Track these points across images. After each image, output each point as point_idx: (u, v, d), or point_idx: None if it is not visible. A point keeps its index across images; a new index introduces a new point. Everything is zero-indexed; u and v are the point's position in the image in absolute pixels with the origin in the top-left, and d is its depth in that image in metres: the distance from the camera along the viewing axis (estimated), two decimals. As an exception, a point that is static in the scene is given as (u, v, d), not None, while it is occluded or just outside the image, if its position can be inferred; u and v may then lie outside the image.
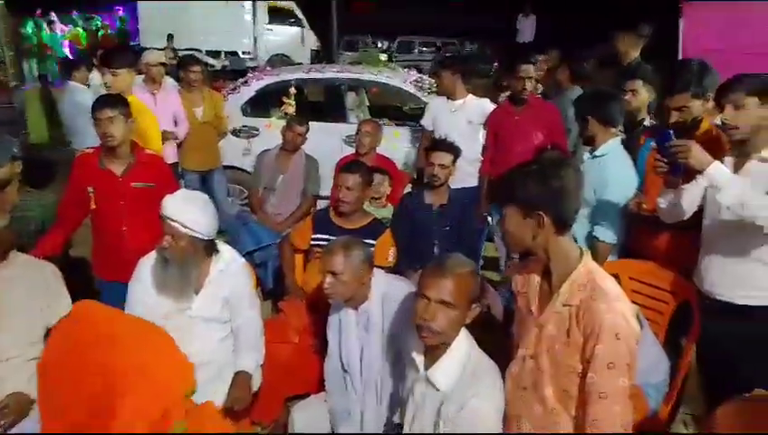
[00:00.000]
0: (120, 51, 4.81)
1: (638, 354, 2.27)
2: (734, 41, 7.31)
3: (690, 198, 2.44)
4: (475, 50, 17.80)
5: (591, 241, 2.97)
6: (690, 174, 2.32)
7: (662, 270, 2.78)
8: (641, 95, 3.37)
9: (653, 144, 2.66)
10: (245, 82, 5.98)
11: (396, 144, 5.29)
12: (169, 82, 5.27)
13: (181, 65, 5.13)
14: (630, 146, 3.13)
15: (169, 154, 4.43)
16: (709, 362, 2.58)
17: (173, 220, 2.35)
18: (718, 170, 2.18)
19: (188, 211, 2.37)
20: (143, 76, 4.68)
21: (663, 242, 2.88)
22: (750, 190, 2.16)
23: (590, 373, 1.67)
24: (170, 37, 13.80)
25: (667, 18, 8.05)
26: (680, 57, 7.40)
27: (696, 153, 2.20)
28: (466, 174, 4.23)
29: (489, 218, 4.18)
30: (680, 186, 2.41)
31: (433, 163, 3.39)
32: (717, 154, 2.28)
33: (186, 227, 2.35)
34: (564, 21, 15.32)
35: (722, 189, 2.15)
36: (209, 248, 2.52)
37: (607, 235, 2.96)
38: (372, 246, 3.10)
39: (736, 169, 2.31)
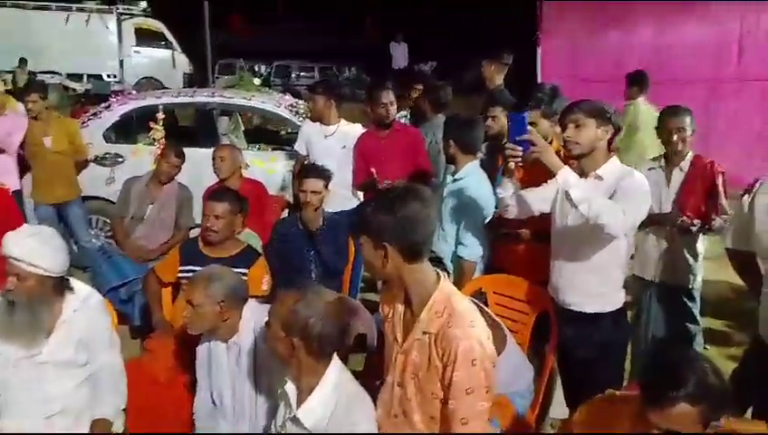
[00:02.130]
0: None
1: (503, 365, 2.40)
2: (583, 70, 8.04)
3: (539, 197, 2.64)
4: (353, 75, 18.14)
5: (456, 260, 3.10)
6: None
7: (523, 283, 2.96)
8: (501, 120, 3.53)
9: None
10: (108, 106, 5.67)
11: (272, 168, 5.27)
12: (20, 107, 4.90)
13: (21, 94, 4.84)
14: (491, 168, 3.31)
15: (10, 182, 4.11)
16: (568, 368, 2.77)
17: (16, 260, 2.16)
18: (569, 172, 2.36)
19: (33, 248, 2.18)
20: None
21: (522, 255, 3.07)
22: (595, 192, 2.35)
23: (451, 400, 1.71)
24: (23, 61, 12.91)
25: (528, 47, 8.71)
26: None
27: (550, 154, 2.38)
28: (343, 198, 4.27)
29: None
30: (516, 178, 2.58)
31: (305, 190, 3.39)
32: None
33: (31, 265, 2.17)
34: (436, 48, 16.10)
35: (572, 187, 2.31)
36: (60, 286, 2.33)
37: (470, 253, 3.10)
38: (245, 274, 3.03)
39: None
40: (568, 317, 2.65)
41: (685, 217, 3.22)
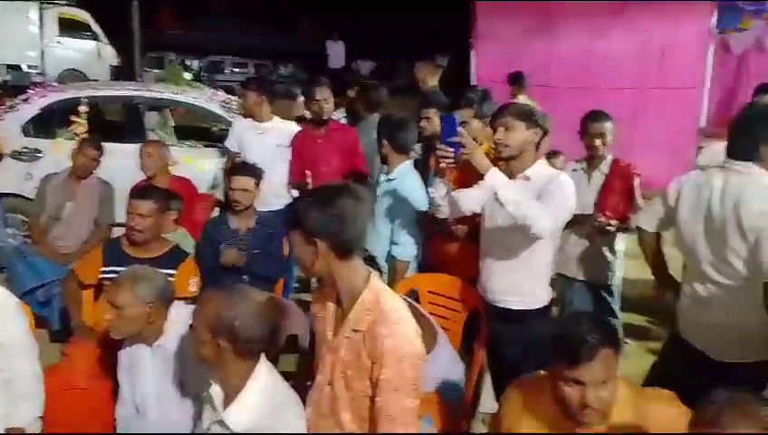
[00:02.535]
0: None
1: (434, 363, 2.43)
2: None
3: (470, 198, 2.69)
4: (289, 72, 17.93)
5: (390, 259, 3.11)
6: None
7: (454, 281, 3.01)
8: (435, 121, 3.58)
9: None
10: (26, 99, 5.37)
11: (203, 166, 5.12)
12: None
13: None
14: (424, 168, 3.34)
15: None
16: (496, 364, 2.83)
17: None
18: (497, 174, 2.42)
19: None
20: None
21: (454, 254, 3.12)
22: (523, 193, 2.42)
23: (378, 397, 1.71)
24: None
25: (462, 50, 8.84)
26: (473, 86, 8.12)
27: (480, 156, 2.43)
28: (278, 197, 4.20)
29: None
30: (446, 178, 2.63)
31: (234, 188, 3.30)
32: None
33: None
34: (373, 49, 16.18)
35: (500, 189, 2.37)
36: (-31, 290, 2.18)
37: (402, 252, 3.12)
38: (172, 275, 2.93)
39: None
40: (496, 314, 2.71)
41: (601, 218, 3.36)
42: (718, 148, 3.29)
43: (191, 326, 1.92)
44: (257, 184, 3.34)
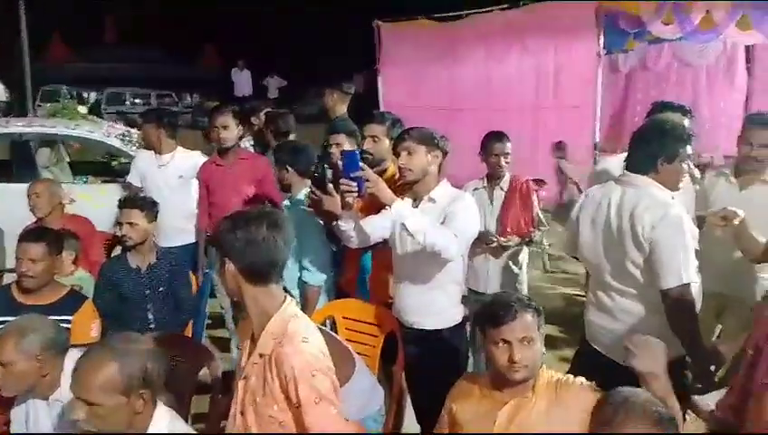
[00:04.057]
0: None
1: (354, 390, 2.39)
2: (420, 98, 8.45)
3: (379, 226, 2.71)
4: (195, 102, 17.54)
5: (302, 285, 3.07)
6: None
7: (369, 306, 2.99)
8: (345, 148, 3.61)
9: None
10: None
11: (102, 202, 4.84)
12: None
13: None
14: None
15: None
16: (416, 385, 2.83)
17: None
18: (402, 205, 2.46)
19: None
20: None
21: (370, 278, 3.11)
22: (430, 222, 2.46)
23: (305, 417, 1.70)
24: None
25: (371, 77, 8.98)
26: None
27: (384, 189, 2.46)
28: (181, 231, 4.04)
29: (210, 274, 4.03)
30: (354, 210, 2.64)
31: (121, 222, 3.14)
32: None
33: None
34: (281, 76, 16.14)
35: (407, 219, 2.40)
36: None
37: (313, 278, 3.09)
38: (69, 322, 2.74)
39: None
40: (412, 336, 2.73)
41: (494, 237, 3.52)
42: (612, 161, 3.51)
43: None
44: (149, 217, 3.17)
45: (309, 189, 2.99)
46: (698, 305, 2.37)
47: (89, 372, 1.74)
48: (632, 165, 2.45)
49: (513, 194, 3.62)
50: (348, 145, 3.49)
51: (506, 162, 3.59)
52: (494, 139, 3.62)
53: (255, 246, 1.71)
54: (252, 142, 4.73)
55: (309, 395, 1.68)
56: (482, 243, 3.53)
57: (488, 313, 1.96)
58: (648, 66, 8.74)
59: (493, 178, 3.67)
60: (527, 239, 3.63)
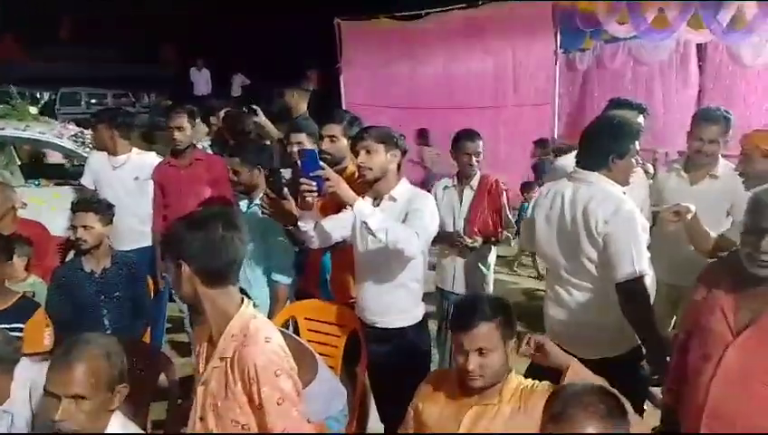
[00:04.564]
0: None
1: (316, 392, 2.38)
2: (381, 98, 8.46)
3: (339, 225, 2.71)
4: (153, 102, 17.19)
5: (272, 285, 3.06)
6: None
7: (330, 306, 2.98)
8: (305, 147, 3.57)
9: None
10: None
11: (55, 206, 4.70)
12: None
13: None
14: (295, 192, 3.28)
15: None
16: (379, 384, 2.82)
17: None
18: (364, 204, 2.45)
19: None
20: None
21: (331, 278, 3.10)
22: (391, 220, 2.46)
23: (266, 417, 1.68)
24: None
25: (334, 75, 8.95)
26: (343, 110, 8.22)
27: (344, 188, 2.45)
28: (138, 234, 3.95)
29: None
30: (312, 209, 2.62)
31: (75, 225, 3.05)
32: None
33: None
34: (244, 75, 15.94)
35: (369, 218, 2.39)
36: None
37: (281, 277, 3.06)
38: (21, 329, 2.65)
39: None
40: (375, 335, 2.72)
41: (462, 238, 3.51)
42: (569, 158, 3.57)
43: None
44: (104, 220, 3.09)
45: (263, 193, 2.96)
46: (652, 297, 2.43)
47: (77, 365, 1.73)
48: (584, 162, 2.49)
49: (482, 194, 3.59)
50: (308, 144, 3.46)
51: (477, 161, 3.56)
52: (465, 137, 3.59)
53: (212, 246, 1.68)
54: (209, 143, 4.64)
55: (271, 395, 1.66)
56: (449, 243, 3.55)
57: (453, 315, 1.98)
58: (605, 64, 8.93)
59: (463, 176, 3.64)
60: (494, 239, 3.60)
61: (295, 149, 3.47)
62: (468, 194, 3.62)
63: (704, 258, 2.92)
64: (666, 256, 2.97)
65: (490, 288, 3.72)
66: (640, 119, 3.31)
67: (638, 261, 2.31)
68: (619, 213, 2.32)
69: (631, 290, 2.32)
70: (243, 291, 2.40)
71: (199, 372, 1.85)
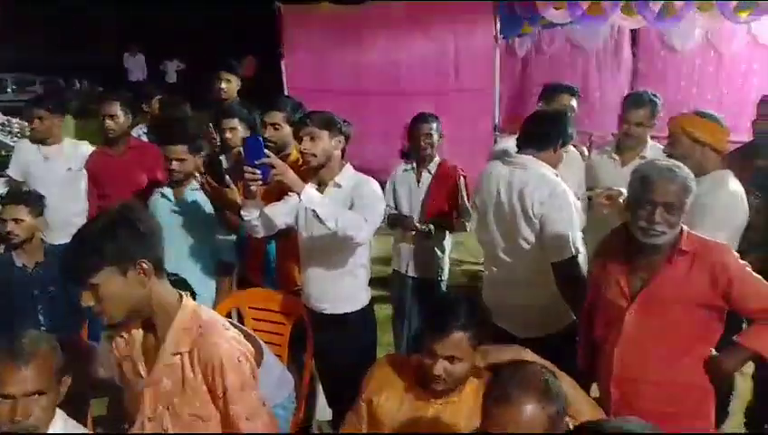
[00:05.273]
0: None
1: (263, 380, 2.36)
2: (326, 83, 8.37)
3: (283, 211, 2.68)
4: (85, 88, 16.47)
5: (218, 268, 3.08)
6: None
7: (276, 294, 2.96)
8: (239, 132, 3.47)
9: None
10: None
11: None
12: None
13: None
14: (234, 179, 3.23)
15: None
16: (326, 370, 2.85)
17: None
18: (311, 191, 2.44)
19: None
20: None
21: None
22: (340, 207, 2.46)
23: (231, 405, 1.67)
24: None
25: (275, 59, 8.78)
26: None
27: (291, 175, 2.42)
28: (72, 227, 3.77)
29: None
30: (256, 198, 2.59)
31: (4, 219, 2.92)
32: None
33: None
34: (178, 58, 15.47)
35: (318, 205, 2.38)
36: None
37: (223, 265, 3.05)
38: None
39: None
40: (321, 321, 2.73)
41: (416, 225, 3.53)
42: (510, 142, 3.64)
43: None
44: (34, 212, 2.97)
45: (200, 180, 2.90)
46: (585, 274, 2.52)
47: (31, 362, 1.67)
48: (522, 146, 2.56)
49: (439, 178, 3.59)
50: (242, 130, 3.42)
51: (432, 144, 3.55)
52: (420, 119, 3.59)
53: (157, 235, 1.65)
54: (145, 130, 4.48)
55: (235, 382, 1.65)
56: (404, 228, 3.57)
57: (428, 314, 1.96)
58: (543, 50, 9.13)
59: (422, 160, 3.62)
60: (447, 225, 3.60)
61: (228, 135, 3.43)
62: (426, 178, 3.61)
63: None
64: (599, 236, 3.08)
65: (445, 272, 3.74)
66: (573, 102, 3.43)
67: (573, 241, 2.40)
68: (554, 195, 2.40)
69: (568, 269, 2.41)
70: (187, 284, 2.38)
71: (129, 374, 1.78)
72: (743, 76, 7.87)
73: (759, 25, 6.98)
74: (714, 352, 2.06)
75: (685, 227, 2.02)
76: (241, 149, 3.44)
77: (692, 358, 2.03)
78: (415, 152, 3.62)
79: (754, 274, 2.00)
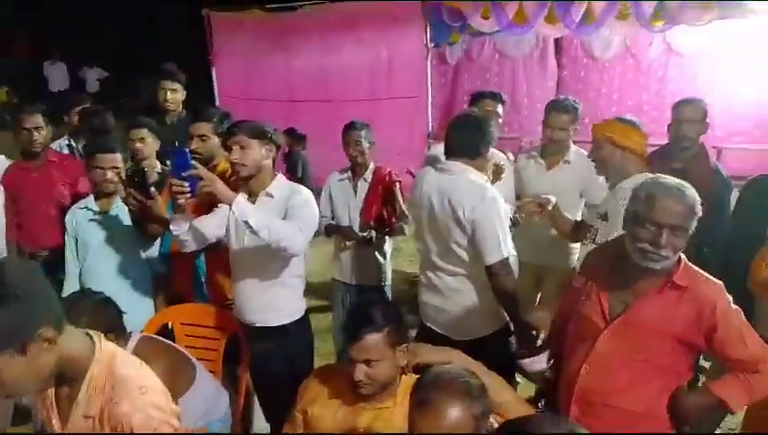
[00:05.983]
0: None
1: (197, 397, 2.31)
2: (257, 91, 8.26)
3: (213, 224, 2.62)
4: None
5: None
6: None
7: (208, 308, 2.89)
8: (149, 144, 3.41)
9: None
10: None
11: None
12: None
13: None
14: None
15: None
16: (262, 383, 2.79)
17: None
18: (242, 201, 2.37)
19: None
20: None
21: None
22: (272, 217, 2.41)
23: None
24: None
25: (206, 68, 8.58)
26: (217, 104, 7.94)
27: (220, 186, 2.35)
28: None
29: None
30: (185, 211, 2.52)
31: None
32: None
33: None
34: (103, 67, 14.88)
35: (250, 217, 2.32)
36: None
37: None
38: None
39: None
40: (255, 334, 2.67)
41: (358, 234, 3.52)
42: (440, 149, 3.70)
43: None
44: None
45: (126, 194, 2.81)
46: (516, 275, 2.58)
47: None
48: (449, 152, 2.60)
49: (375, 185, 3.58)
50: (152, 140, 3.34)
51: (358, 150, 3.54)
52: (349, 127, 3.58)
53: (45, 289, 1.37)
54: (68, 142, 4.26)
55: None
56: (344, 236, 3.55)
57: (344, 322, 1.96)
58: (473, 58, 9.36)
59: (355, 167, 3.60)
60: (388, 230, 3.59)
61: (137, 145, 3.34)
62: (363, 186, 3.60)
63: (562, 239, 3.18)
64: (529, 239, 3.17)
65: (388, 278, 3.73)
66: (499, 108, 3.52)
67: (504, 244, 2.46)
68: (484, 200, 2.45)
69: (500, 272, 2.46)
70: (113, 304, 2.28)
71: (48, 422, 1.60)
72: (659, 82, 8.33)
73: (673, 33, 7.39)
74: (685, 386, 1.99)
75: (683, 256, 1.89)
76: (151, 160, 3.37)
77: (657, 389, 1.94)
78: (349, 160, 3.62)
79: (743, 320, 1.88)
